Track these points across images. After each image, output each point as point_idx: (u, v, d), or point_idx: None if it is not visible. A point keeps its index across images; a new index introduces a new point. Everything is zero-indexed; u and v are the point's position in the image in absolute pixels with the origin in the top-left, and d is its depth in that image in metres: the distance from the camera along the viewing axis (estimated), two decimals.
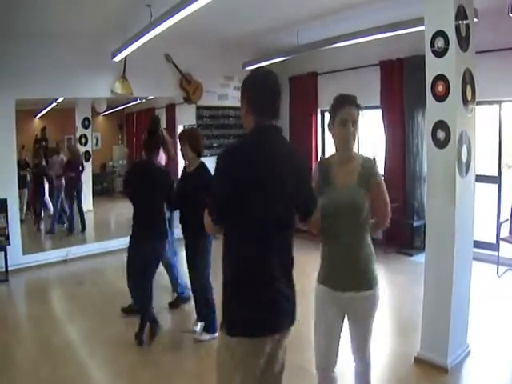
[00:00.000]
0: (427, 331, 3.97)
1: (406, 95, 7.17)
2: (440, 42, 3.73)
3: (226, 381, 2.15)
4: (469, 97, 3.84)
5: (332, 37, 6.54)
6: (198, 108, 8.34)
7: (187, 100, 8.11)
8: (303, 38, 7.08)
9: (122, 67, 7.37)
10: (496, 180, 6.72)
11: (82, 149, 10.26)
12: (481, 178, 6.63)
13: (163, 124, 10.76)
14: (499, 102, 6.48)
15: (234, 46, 8.07)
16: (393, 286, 5.93)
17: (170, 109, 10.07)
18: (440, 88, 3.75)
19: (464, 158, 3.80)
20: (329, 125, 2.69)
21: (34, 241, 8.59)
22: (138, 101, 10.31)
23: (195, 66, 8.10)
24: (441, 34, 3.71)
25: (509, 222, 6.27)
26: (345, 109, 2.58)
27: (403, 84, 7.18)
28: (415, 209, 7.17)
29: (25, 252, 7.05)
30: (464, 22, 3.76)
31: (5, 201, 6.67)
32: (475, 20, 5.31)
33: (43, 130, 11.08)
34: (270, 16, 6.45)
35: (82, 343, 4.62)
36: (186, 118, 8.65)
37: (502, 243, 6.26)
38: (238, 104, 7.09)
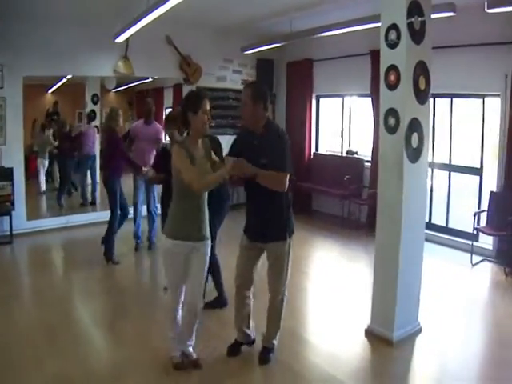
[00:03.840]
0: (376, 306, 4.29)
1: None
2: (393, 35, 4.00)
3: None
4: (422, 87, 4.10)
5: (322, 25, 6.79)
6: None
7: (187, 81, 8.45)
8: (296, 26, 7.33)
9: (125, 48, 7.73)
10: (478, 172, 6.91)
11: (93, 123, 10.66)
12: (465, 170, 7.02)
13: (170, 103, 11.17)
14: (482, 96, 6.65)
15: (233, 30, 8.35)
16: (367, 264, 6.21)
17: (177, 89, 10.39)
18: (392, 77, 4.03)
19: (414, 144, 4.06)
20: (188, 114, 3.33)
21: (40, 208, 9.18)
22: (149, 79, 10.63)
23: (195, 49, 8.42)
24: (394, 27, 3.98)
25: (486, 212, 6.46)
26: (205, 101, 3.34)
27: None
28: None
29: (29, 218, 7.59)
30: (417, 16, 4.00)
31: (11, 170, 7.15)
32: (452, 14, 5.60)
33: (55, 104, 11.52)
34: (266, 3, 6.71)
35: (73, 296, 5.27)
36: None
37: (481, 234, 6.44)
38: (236, 86, 7.46)
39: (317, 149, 9.36)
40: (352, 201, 7.79)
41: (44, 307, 4.83)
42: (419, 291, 4.34)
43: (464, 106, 7.49)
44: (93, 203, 9.50)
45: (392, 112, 4.03)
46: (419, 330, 4.35)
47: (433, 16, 5.59)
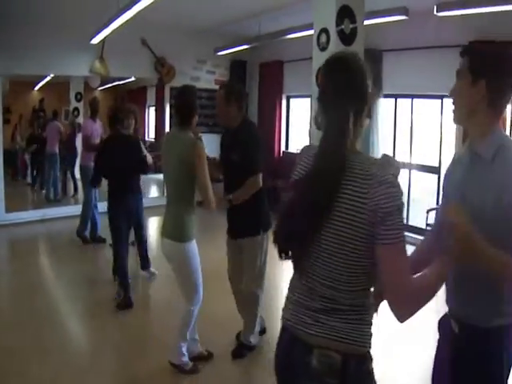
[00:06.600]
0: None
1: None
2: (324, 39, 4.29)
3: None
4: None
5: (288, 27, 7.07)
6: (171, 89, 8.94)
7: (161, 81, 8.76)
8: (266, 28, 7.60)
9: (101, 49, 8.03)
10: (436, 170, 7.16)
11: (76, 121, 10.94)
12: (424, 168, 7.30)
13: (153, 101, 11.47)
14: (441, 97, 6.87)
15: (206, 32, 8.60)
16: None
17: (160, 88, 10.68)
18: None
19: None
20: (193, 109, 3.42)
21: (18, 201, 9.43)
22: (132, 79, 10.91)
23: (169, 50, 8.72)
24: (324, 31, 4.27)
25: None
26: None
27: None
28: None
29: (8, 210, 7.90)
30: (349, 21, 4.28)
31: None
32: (404, 18, 5.85)
33: (41, 101, 11.80)
34: (234, 6, 6.97)
35: (48, 282, 5.58)
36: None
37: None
38: (210, 86, 7.68)
39: (287, 147, 9.64)
40: None
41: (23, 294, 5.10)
42: None
43: (424, 107, 7.73)
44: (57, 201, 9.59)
45: None
46: None
47: (386, 19, 5.96)
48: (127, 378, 3.57)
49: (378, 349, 3.57)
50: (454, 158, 2.02)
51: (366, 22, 5.56)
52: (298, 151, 1.83)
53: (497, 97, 1.74)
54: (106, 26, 6.61)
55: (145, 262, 5.62)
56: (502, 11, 5.11)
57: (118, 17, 6.16)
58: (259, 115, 9.65)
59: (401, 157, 7.59)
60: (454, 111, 1.85)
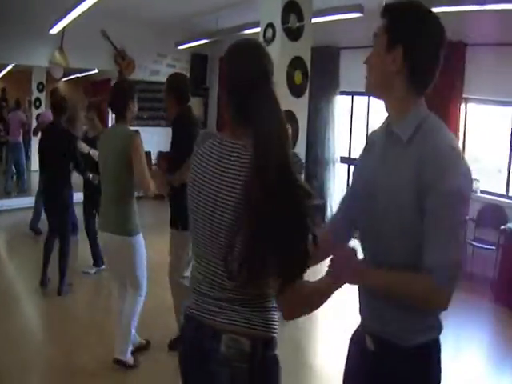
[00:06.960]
0: None
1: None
2: (269, 33, 4.37)
3: None
4: (297, 81, 4.48)
5: (245, 23, 7.14)
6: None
7: (120, 74, 8.72)
8: (224, 23, 7.69)
9: (60, 39, 7.94)
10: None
11: (36, 111, 10.66)
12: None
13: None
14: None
15: (167, 25, 8.60)
16: None
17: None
18: None
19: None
20: (129, 102, 3.35)
21: None
22: (95, 71, 10.81)
23: (129, 43, 8.68)
24: (270, 25, 4.35)
25: None
26: None
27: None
28: None
29: None
30: (296, 17, 4.37)
31: None
32: (360, 15, 5.96)
33: (3, 90, 11.69)
34: (192, 1, 7.02)
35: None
36: None
37: None
38: None
39: None
40: None
41: None
42: None
43: (380, 104, 7.88)
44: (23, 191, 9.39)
45: None
46: None
47: (341, 17, 6.06)
48: (74, 369, 3.57)
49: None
50: (367, 140, 1.77)
51: (322, 19, 5.72)
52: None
53: (417, 69, 1.46)
54: (65, 15, 6.58)
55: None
56: (453, 11, 5.28)
57: (77, 6, 6.14)
58: (219, 109, 9.63)
59: (357, 154, 7.76)
60: (366, 79, 1.58)
